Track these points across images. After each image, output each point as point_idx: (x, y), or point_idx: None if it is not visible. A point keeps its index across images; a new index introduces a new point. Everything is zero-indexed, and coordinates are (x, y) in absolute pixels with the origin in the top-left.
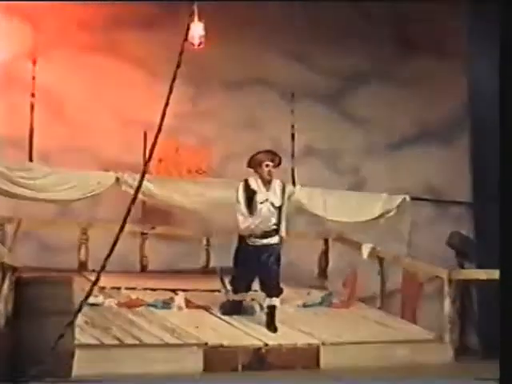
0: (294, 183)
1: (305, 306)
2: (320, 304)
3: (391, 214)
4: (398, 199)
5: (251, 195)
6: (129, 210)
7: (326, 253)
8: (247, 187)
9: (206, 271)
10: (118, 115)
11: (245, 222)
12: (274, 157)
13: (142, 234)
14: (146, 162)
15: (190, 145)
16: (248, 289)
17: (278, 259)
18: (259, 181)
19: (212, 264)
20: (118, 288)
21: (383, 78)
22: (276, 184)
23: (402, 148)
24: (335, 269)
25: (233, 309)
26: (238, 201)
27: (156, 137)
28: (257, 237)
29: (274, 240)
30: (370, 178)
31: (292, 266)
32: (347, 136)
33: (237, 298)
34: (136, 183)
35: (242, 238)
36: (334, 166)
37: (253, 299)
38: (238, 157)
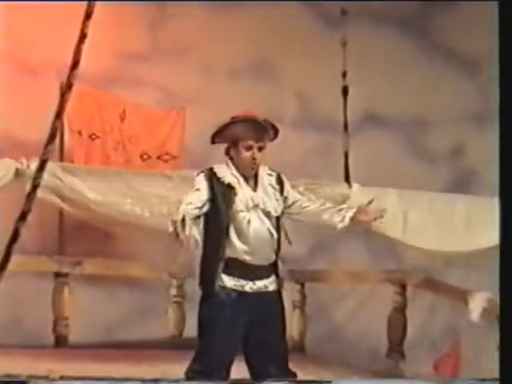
0: (347, 179)
1: None
2: None
3: None
4: None
5: (225, 197)
6: (16, 232)
7: (402, 310)
8: (215, 182)
9: (179, 344)
10: (14, 55)
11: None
12: (261, 131)
13: (58, 275)
14: (50, 138)
15: (148, 107)
16: (226, 375)
17: (283, 319)
18: (235, 171)
19: (188, 331)
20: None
21: None
22: (264, 175)
23: None
24: (419, 339)
25: None
26: (186, 204)
27: (63, 93)
28: (241, 276)
29: (272, 284)
30: (484, 166)
31: (338, 333)
32: (441, 91)
33: None
34: (53, 179)
35: (208, 279)
36: (419, 145)
37: None
38: None
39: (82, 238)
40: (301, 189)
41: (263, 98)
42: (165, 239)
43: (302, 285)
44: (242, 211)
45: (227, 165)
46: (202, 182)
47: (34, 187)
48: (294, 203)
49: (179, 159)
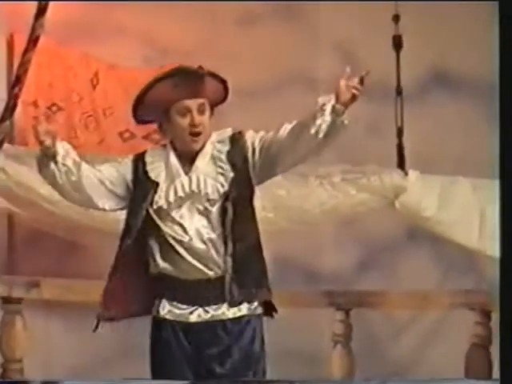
0: (401, 164)
1: None
2: None
3: None
4: None
5: (147, 194)
6: None
7: (485, 346)
8: (141, 173)
9: None
10: None
11: None
12: (197, 83)
13: (7, 301)
14: (6, 112)
15: (129, 68)
16: None
17: (263, 370)
18: (174, 156)
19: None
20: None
21: None
22: (210, 147)
23: None
24: None
25: None
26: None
27: (26, 49)
28: (182, 300)
29: (240, 309)
30: None
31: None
32: None
33: None
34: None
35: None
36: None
37: None
38: (255, 93)
39: (39, 250)
40: (336, 179)
41: (288, 53)
42: None
43: (347, 312)
44: (171, 205)
45: (164, 147)
46: (123, 173)
47: None
48: (257, 153)
49: None
